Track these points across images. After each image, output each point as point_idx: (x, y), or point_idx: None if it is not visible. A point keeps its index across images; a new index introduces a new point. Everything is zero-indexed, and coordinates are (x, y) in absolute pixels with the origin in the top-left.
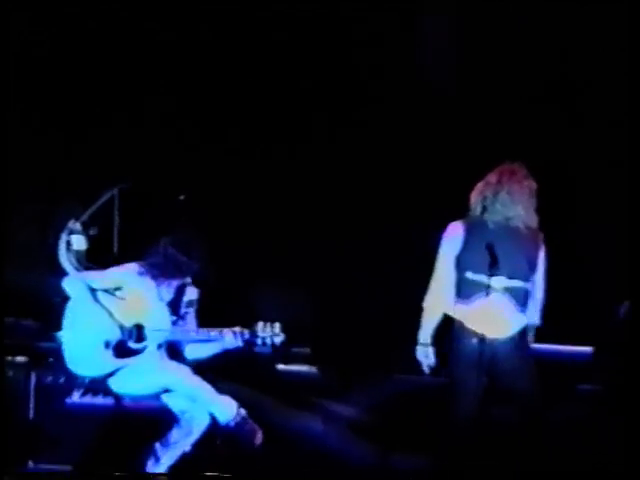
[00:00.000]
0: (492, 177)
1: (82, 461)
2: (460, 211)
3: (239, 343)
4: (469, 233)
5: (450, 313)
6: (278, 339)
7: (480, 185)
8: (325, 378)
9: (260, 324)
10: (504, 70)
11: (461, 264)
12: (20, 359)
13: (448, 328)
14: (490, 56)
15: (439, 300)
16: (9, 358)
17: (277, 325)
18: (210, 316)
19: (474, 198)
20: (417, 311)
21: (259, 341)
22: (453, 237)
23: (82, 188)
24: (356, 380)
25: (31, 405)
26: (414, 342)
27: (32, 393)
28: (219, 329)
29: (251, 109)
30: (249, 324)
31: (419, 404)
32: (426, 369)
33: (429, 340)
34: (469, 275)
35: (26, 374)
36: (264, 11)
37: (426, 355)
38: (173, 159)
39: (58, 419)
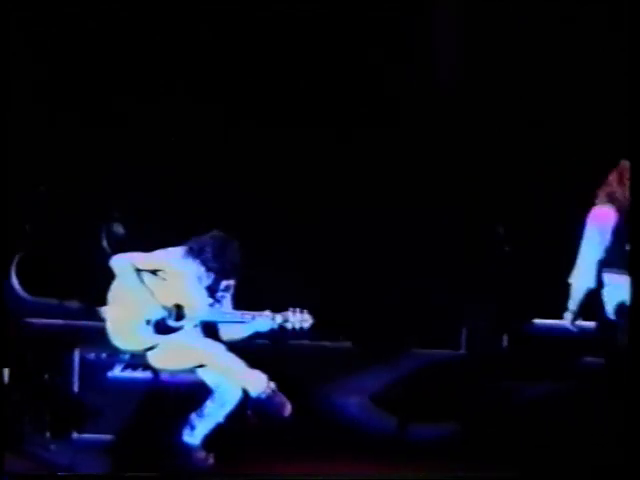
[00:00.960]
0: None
1: (122, 431)
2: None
3: (270, 327)
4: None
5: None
6: (307, 324)
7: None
8: (349, 352)
9: (290, 310)
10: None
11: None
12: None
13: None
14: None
15: (584, 276)
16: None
17: (306, 311)
18: (245, 301)
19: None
20: (438, 286)
21: (289, 325)
22: (604, 222)
23: (120, 174)
24: (378, 354)
25: (75, 379)
26: (433, 317)
27: (76, 368)
28: (252, 313)
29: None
30: (280, 309)
31: (438, 377)
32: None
33: (576, 310)
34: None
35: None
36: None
37: (573, 323)
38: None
39: (100, 392)
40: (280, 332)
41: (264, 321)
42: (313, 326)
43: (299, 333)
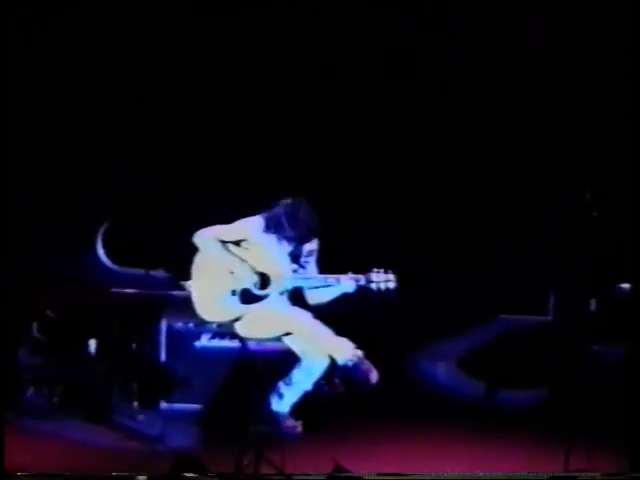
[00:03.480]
0: None
1: (210, 400)
2: None
3: (355, 288)
4: None
5: None
6: (391, 284)
7: None
8: (435, 319)
9: (374, 270)
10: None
11: None
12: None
13: None
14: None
15: None
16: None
17: (390, 272)
18: (329, 264)
19: None
20: (526, 252)
21: (374, 286)
22: None
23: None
24: (465, 320)
25: (162, 349)
26: (520, 283)
27: (164, 338)
28: (336, 276)
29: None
30: (364, 271)
31: (525, 343)
32: None
33: None
34: None
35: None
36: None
37: None
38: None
39: (188, 362)
40: (365, 293)
41: (349, 283)
42: (399, 291)
43: (384, 293)
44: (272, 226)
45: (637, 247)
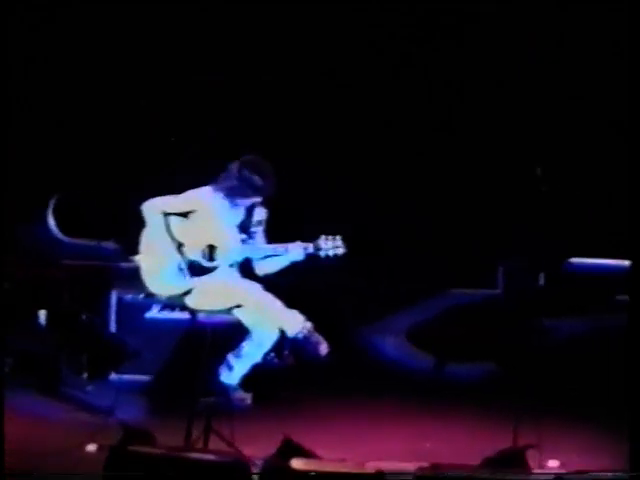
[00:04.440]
0: None
1: (160, 371)
2: None
3: (303, 256)
4: None
5: None
6: (340, 251)
7: None
8: (385, 292)
9: (322, 237)
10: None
11: None
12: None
13: None
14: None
15: None
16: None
17: (338, 238)
18: (276, 233)
19: None
20: (475, 225)
21: (322, 253)
22: None
23: None
24: (415, 294)
25: (112, 320)
26: (470, 257)
27: (113, 309)
28: (284, 244)
29: None
30: (312, 239)
31: (474, 316)
32: None
33: None
34: None
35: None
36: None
37: None
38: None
39: (138, 333)
40: (313, 261)
41: (298, 251)
42: (348, 262)
43: (333, 260)
44: (224, 179)
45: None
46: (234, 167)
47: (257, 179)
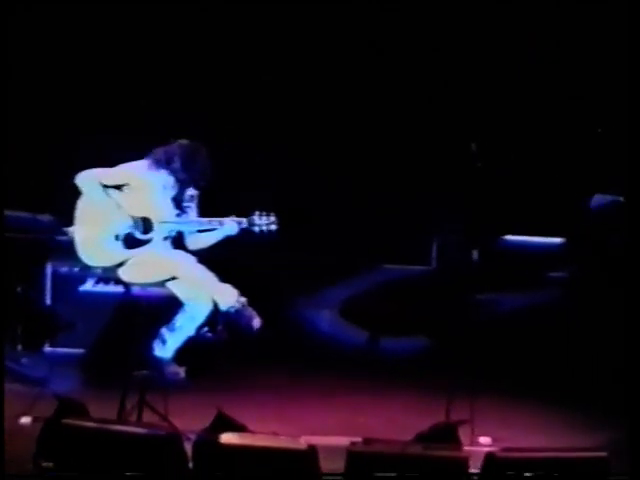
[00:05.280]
0: None
1: (94, 344)
2: None
3: (237, 230)
4: None
5: None
6: (273, 227)
7: None
8: (319, 267)
9: (257, 213)
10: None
11: None
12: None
13: None
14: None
15: None
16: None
17: (272, 214)
18: (210, 208)
19: None
20: (409, 201)
21: (256, 229)
22: None
23: None
24: (348, 269)
25: (47, 293)
26: (403, 232)
27: (49, 282)
28: (218, 218)
29: None
30: (247, 214)
31: (408, 292)
32: None
33: None
34: None
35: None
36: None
37: None
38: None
39: (73, 306)
40: (247, 236)
41: (232, 225)
42: (282, 236)
43: (266, 236)
44: (164, 164)
45: None
46: (170, 152)
47: (187, 164)
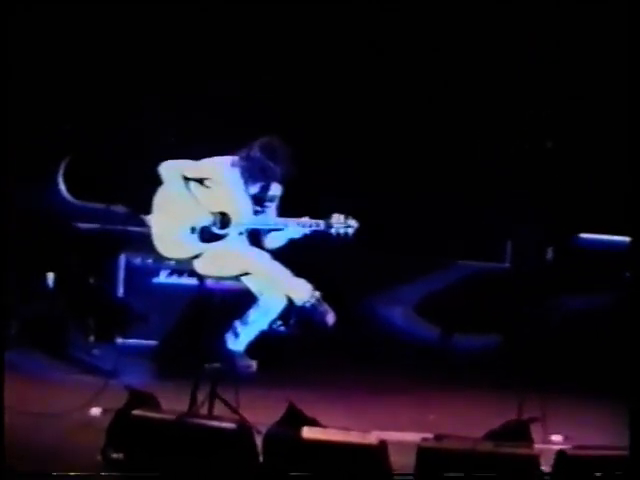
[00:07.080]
0: None
1: (166, 336)
2: None
3: (312, 232)
4: None
5: None
6: (351, 230)
7: None
8: (394, 263)
9: (335, 215)
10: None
11: None
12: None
13: None
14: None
15: None
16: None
17: (350, 217)
18: (289, 210)
19: None
20: (485, 198)
21: (333, 231)
22: None
23: None
24: (423, 265)
25: (120, 284)
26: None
27: (122, 273)
28: (295, 219)
29: None
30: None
31: (482, 289)
32: None
33: None
34: None
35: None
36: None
37: None
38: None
39: (145, 298)
40: (325, 238)
41: (309, 227)
42: (358, 234)
43: (343, 239)
44: (244, 160)
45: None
46: (249, 148)
47: (269, 163)
